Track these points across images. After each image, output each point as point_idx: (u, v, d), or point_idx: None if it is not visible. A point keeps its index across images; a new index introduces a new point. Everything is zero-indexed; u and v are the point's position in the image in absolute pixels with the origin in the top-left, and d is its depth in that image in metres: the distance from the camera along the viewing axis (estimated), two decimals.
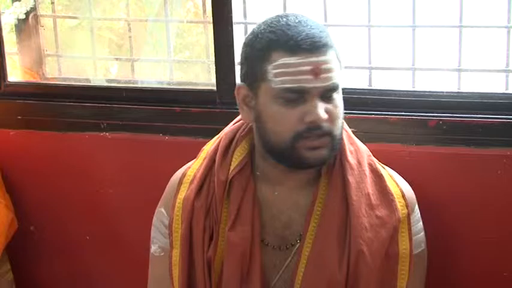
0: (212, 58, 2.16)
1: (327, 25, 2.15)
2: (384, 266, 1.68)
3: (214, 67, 2.13)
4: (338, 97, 1.65)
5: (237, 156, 1.73)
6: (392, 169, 1.81)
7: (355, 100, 2.03)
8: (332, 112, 1.63)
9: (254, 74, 1.64)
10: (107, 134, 2.23)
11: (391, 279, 1.70)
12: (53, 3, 2.49)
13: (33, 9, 2.51)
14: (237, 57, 2.07)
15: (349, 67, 2.23)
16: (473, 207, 1.96)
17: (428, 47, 2.20)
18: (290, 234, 1.73)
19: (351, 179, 1.69)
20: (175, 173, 1.83)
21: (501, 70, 2.08)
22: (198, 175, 1.76)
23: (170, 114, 2.17)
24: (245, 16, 2.19)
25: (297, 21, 1.61)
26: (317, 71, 1.59)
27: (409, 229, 1.72)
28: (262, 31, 1.63)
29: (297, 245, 1.71)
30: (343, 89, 2.08)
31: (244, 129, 1.76)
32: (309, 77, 1.59)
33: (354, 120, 1.99)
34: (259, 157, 1.73)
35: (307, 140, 1.61)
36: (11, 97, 2.31)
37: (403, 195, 1.74)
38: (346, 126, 1.75)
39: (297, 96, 1.60)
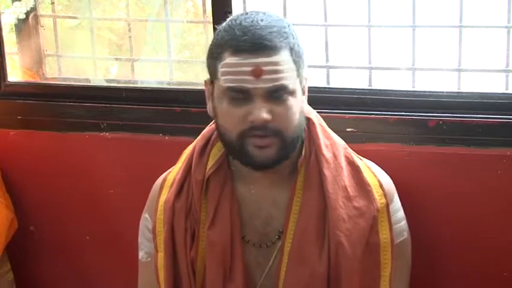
0: None
1: (327, 25, 2.15)
2: (365, 256, 1.69)
3: None
4: (292, 98, 1.63)
5: (213, 156, 1.75)
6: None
7: (355, 100, 2.03)
8: (280, 113, 1.62)
9: (210, 70, 1.68)
10: (107, 134, 2.23)
11: (374, 269, 1.71)
12: (53, 3, 2.49)
13: (33, 9, 2.51)
14: None
15: (349, 67, 2.23)
16: (473, 207, 1.96)
17: (428, 47, 2.20)
18: (270, 231, 1.74)
19: (327, 172, 1.70)
20: (157, 179, 1.85)
21: (501, 70, 2.08)
22: (178, 178, 1.78)
23: (170, 114, 2.17)
24: None
25: (250, 20, 1.62)
26: (258, 72, 1.59)
27: (389, 218, 1.73)
28: (222, 29, 1.66)
29: (279, 243, 1.72)
30: (343, 89, 2.08)
31: None
32: (250, 77, 1.60)
33: (354, 120, 1.99)
34: None
35: (251, 139, 1.63)
36: (11, 97, 2.31)
37: (381, 185, 1.74)
38: (321, 120, 1.76)
39: (242, 96, 1.61)
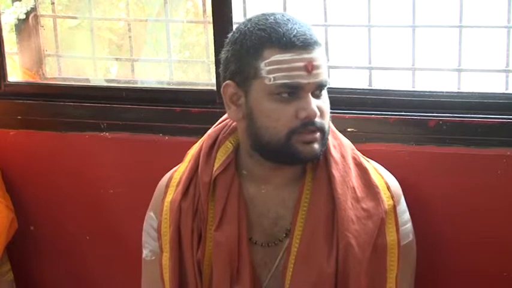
0: (212, 58, 2.16)
1: (327, 25, 2.15)
2: (372, 257, 1.69)
3: (214, 67, 2.13)
4: (325, 93, 1.67)
5: (220, 156, 1.74)
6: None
7: (355, 100, 2.03)
8: (322, 108, 1.65)
9: (244, 71, 1.65)
10: (107, 134, 2.23)
11: (381, 271, 1.70)
12: (53, 3, 2.49)
13: (34, 9, 2.51)
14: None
15: (349, 67, 2.23)
16: (473, 207, 1.96)
17: (428, 47, 2.20)
18: (278, 230, 1.74)
19: (336, 173, 1.70)
20: (163, 178, 1.84)
21: (501, 70, 2.08)
22: (184, 177, 1.77)
23: (170, 114, 2.17)
24: (245, 16, 2.19)
25: (285, 19, 1.64)
26: (310, 67, 1.61)
27: (396, 220, 1.73)
28: (251, 29, 1.64)
29: (286, 241, 1.72)
30: (343, 89, 2.08)
31: (226, 130, 1.77)
32: (303, 73, 1.60)
33: (354, 120, 1.99)
34: (245, 156, 1.74)
35: (300, 135, 1.63)
36: (11, 97, 2.31)
37: (388, 187, 1.75)
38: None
39: (291, 93, 1.61)
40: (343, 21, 2.23)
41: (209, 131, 1.80)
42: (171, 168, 1.86)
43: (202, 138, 1.81)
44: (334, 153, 1.73)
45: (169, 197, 1.78)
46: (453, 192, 1.96)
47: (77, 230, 2.32)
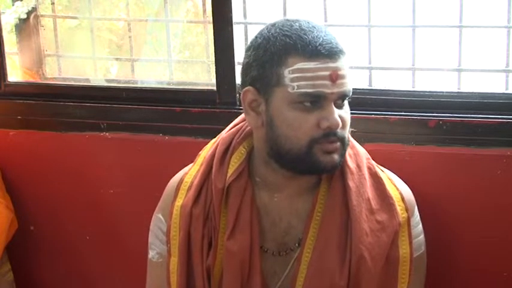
0: (212, 58, 2.16)
1: (327, 25, 2.15)
2: (384, 270, 1.68)
3: (214, 67, 2.13)
4: (347, 104, 1.65)
5: (234, 163, 1.71)
6: (393, 169, 1.81)
7: (355, 100, 2.02)
8: (344, 118, 1.63)
9: (266, 78, 1.61)
10: (107, 134, 2.23)
11: (392, 283, 1.69)
12: (53, 3, 2.49)
13: (34, 9, 2.51)
14: (238, 58, 2.07)
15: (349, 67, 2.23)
16: (473, 207, 1.96)
17: (428, 47, 2.20)
18: (289, 239, 1.72)
19: (351, 183, 1.68)
20: (173, 178, 1.82)
21: (501, 70, 2.07)
22: (196, 182, 1.74)
23: (170, 114, 2.17)
24: (245, 16, 2.19)
25: (310, 26, 1.61)
26: (334, 77, 1.58)
27: (409, 232, 1.72)
28: (275, 35, 1.61)
29: (297, 251, 1.70)
30: None
31: (240, 135, 1.74)
32: (327, 82, 1.58)
33: (354, 120, 1.99)
34: (260, 163, 1.71)
35: (321, 145, 1.60)
36: (11, 97, 2.31)
37: (403, 199, 1.73)
38: None
39: (314, 102, 1.59)
40: (343, 21, 2.23)
41: (222, 134, 1.77)
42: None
43: (214, 140, 1.79)
44: (350, 163, 1.71)
45: (179, 201, 1.75)
46: (453, 192, 1.96)
47: (77, 230, 2.32)
